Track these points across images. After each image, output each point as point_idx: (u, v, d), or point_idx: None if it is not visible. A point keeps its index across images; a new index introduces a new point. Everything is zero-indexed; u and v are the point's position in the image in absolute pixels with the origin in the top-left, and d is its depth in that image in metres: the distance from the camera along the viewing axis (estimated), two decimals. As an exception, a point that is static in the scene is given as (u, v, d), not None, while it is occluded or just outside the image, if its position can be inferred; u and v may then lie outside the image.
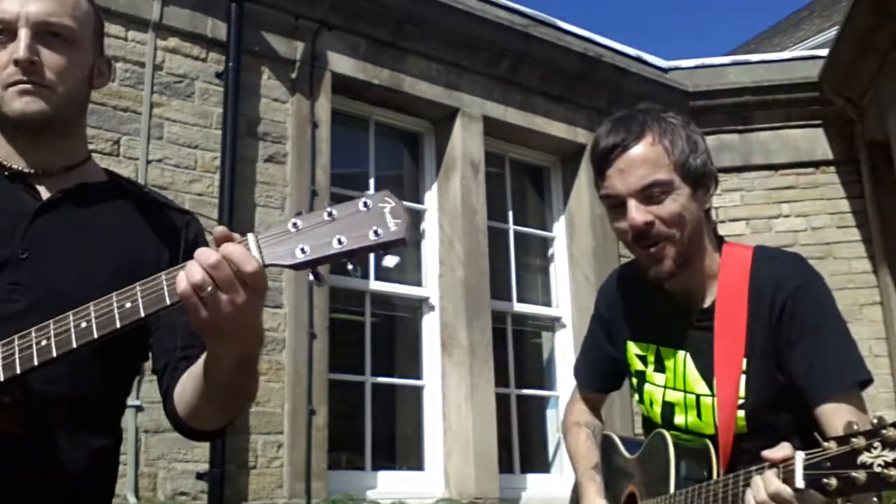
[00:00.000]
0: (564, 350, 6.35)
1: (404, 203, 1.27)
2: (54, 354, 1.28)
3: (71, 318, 1.28)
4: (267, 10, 5.26)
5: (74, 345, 1.27)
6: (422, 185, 6.16)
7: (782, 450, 1.44)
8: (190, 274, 1.21)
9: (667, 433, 1.83)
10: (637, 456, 1.97)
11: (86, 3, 1.63)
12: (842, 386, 1.68)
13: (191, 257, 1.26)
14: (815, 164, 7.07)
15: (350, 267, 1.27)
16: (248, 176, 5.04)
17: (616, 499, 1.97)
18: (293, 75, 5.31)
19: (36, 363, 1.28)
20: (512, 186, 6.62)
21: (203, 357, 1.37)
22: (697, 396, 1.84)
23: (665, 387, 1.91)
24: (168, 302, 1.26)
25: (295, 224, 1.25)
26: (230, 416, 1.53)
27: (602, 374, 2.16)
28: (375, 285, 5.73)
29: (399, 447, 5.87)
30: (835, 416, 1.63)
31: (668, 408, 1.90)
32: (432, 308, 5.87)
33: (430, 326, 5.85)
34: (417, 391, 5.79)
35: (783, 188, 7.07)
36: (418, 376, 5.80)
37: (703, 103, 7.07)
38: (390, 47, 5.75)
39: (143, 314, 1.26)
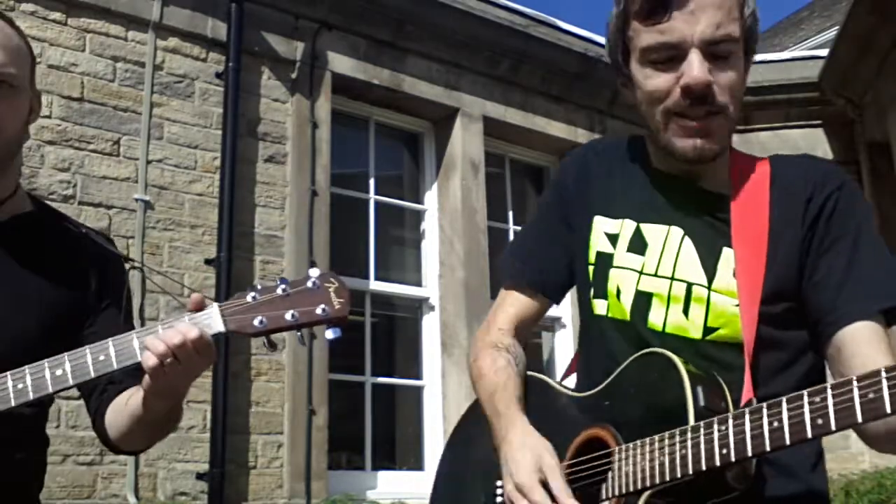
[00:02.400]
0: (564, 350, 6.35)
1: (343, 279, 1.50)
2: (31, 397, 1.46)
3: (46, 365, 1.46)
4: (267, 10, 5.26)
5: (50, 389, 1.45)
6: (422, 185, 6.16)
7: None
8: (155, 347, 1.41)
9: (662, 350, 1.37)
10: (602, 389, 1.45)
11: (23, 44, 1.67)
12: (887, 303, 1.36)
13: (111, 297, 1.65)
14: (815, 165, 7.06)
15: (298, 336, 1.49)
16: (248, 176, 5.04)
17: (559, 450, 1.43)
18: (293, 75, 5.31)
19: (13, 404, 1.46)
20: (512, 186, 6.62)
21: (134, 395, 1.55)
22: (689, 285, 1.43)
23: (641, 272, 1.47)
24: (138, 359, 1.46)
25: (254, 297, 1.45)
26: (155, 442, 1.72)
27: (550, 267, 1.62)
28: (375, 285, 5.73)
29: (399, 447, 5.87)
30: (865, 340, 1.33)
31: (643, 300, 1.46)
32: (432, 308, 5.87)
33: (430, 326, 5.85)
34: (417, 391, 5.79)
35: (783, 188, 7.06)
36: (418, 376, 5.80)
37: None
38: (390, 47, 5.75)
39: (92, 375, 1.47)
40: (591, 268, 1.53)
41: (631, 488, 1.31)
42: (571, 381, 1.66)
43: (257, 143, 5.14)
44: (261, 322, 1.43)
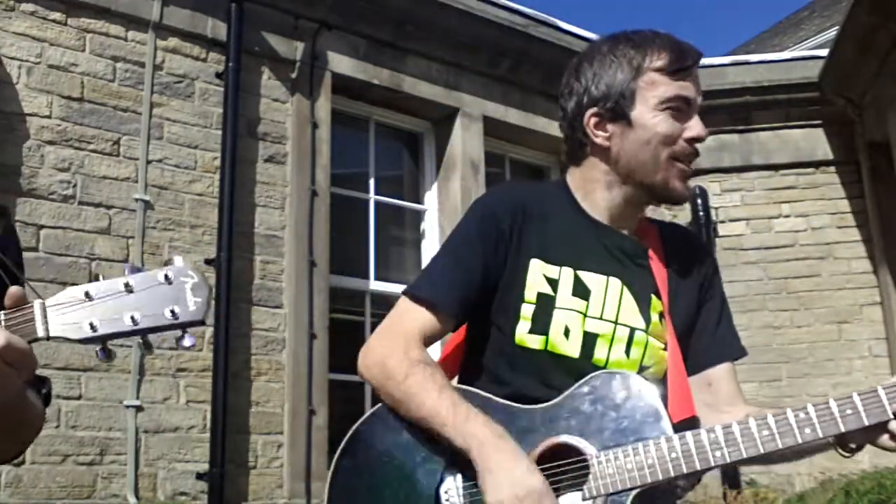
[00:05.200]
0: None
1: (208, 280, 1.22)
2: None
3: None
4: (267, 10, 5.26)
5: None
6: (422, 185, 6.16)
7: None
8: None
9: (630, 372, 1.59)
10: (555, 405, 1.56)
11: None
12: (739, 353, 1.81)
13: None
14: (815, 164, 7.07)
15: (140, 343, 1.22)
16: (248, 176, 5.04)
17: None
18: (293, 75, 5.31)
19: None
20: (512, 186, 6.62)
21: None
22: (632, 330, 1.67)
23: (586, 314, 1.66)
24: None
25: (87, 293, 1.17)
26: (5, 456, 1.44)
27: (468, 298, 1.68)
28: (375, 285, 5.73)
29: (399, 447, 5.86)
30: (730, 377, 1.78)
31: (590, 339, 1.65)
32: (432, 308, 5.86)
33: (430, 326, 5.84)
34: (417, 391, 5.78)
35: (783, 188, 7.07)
36: (418, 376, 5.79)
37: (704, 103, 7.00)
38: (390, 47, 5.75)
39: None
40: (526, 306, 1.66)
41: (619, 487, 1.49)
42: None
43: (257, 143, 5.14)
44: (91, 326, 1.16)
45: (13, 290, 1.17)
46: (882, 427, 1.47)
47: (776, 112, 7.07)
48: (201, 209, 4.85)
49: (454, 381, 1.72)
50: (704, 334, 1.78)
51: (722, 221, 6.98)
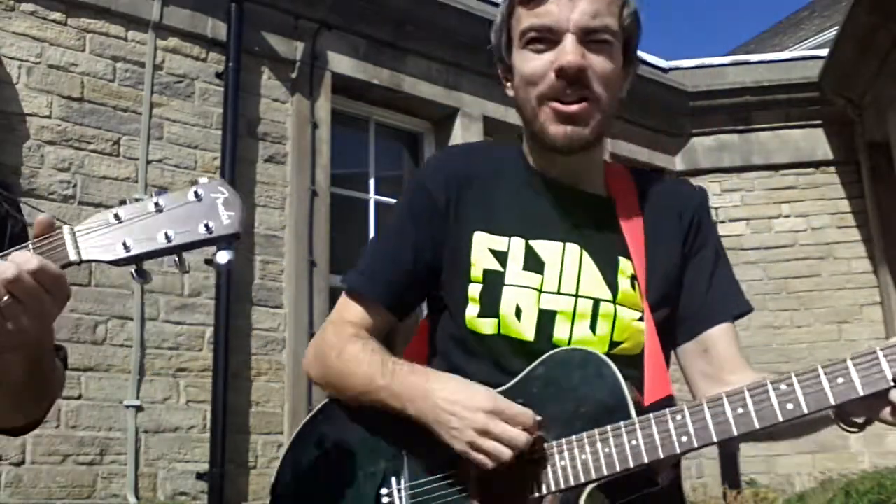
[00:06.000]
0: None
1: (239, 195, 1.21)
2: None
3: None
4: (267, 10, 5.26)
5: None
6: (422, 185, 6.16)
7: None
8: None
9: (587, 349, 1.37)
10: (508, 391, 1.37)
11: None
12: (738, 310, 1.53)
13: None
14: (815, 164, 7.08)
15: (176, 261, 1.17)
16: (248, 176, 5.04)
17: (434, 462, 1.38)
18: (293, 75, 5.31)
19: None
20: (512, 186, 6.62)
21: None
22: (596, 302, 1.43)
23: (541, 290, 1.43)
24: None
25: (117, 215, 1.14)
26: (34, 415, 1.38)
27: (404, 285, 1.53)
28: (375, 285, 5.72)
29: (399, 447, 5.87)
30: (729, 340, 1.50)
31: (547, 318, 1.42)
32: (432, 308, 5.86)
33: (430, 326, 5.84)
34: (417, 391, 5.79)
35: (783, 188, 7.07)
36: (418, 376, 5.80)
37: (703, 103, 7.07)
38: (390, 47, 5.75)
39: None
40: (473, 285, 1.46)
41: (572, 482, 1.29)
42: None
43: (257, 143, 5.14)
44: (125, 246, 1.13)
45: (41, 217, 1.14)
46: (882, 398, 1.20)
47: (776, 112, 7.08)
48: (201, 209, 4.85)
49: None
50: (695, 292, 1.50)
51: (722, 221, 6.98)
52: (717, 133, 7.08)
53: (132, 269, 1.15)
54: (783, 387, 1.22)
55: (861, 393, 1.19)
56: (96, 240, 1.14)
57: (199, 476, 4.52)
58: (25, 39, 4.47)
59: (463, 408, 1.32)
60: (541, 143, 1.47)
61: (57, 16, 4.60)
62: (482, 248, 1.47)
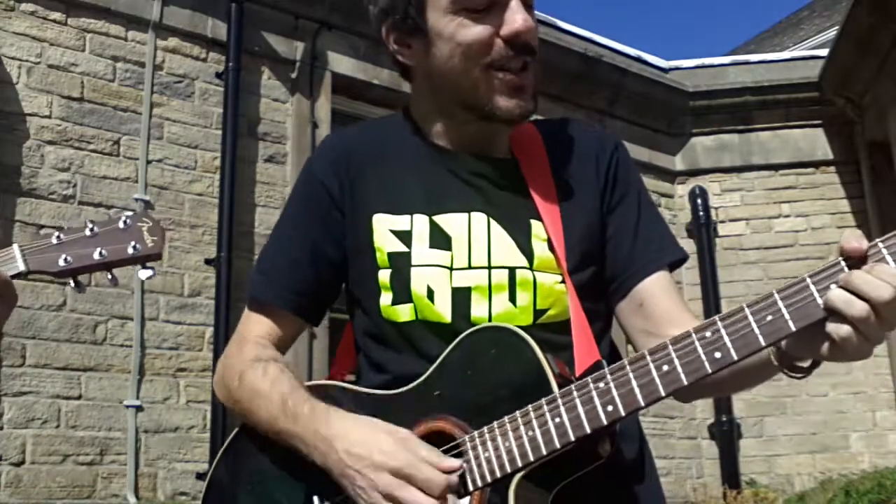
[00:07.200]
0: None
1: (161, 223, 1.46)
2: None
3: None
4: (267, 10, 5.26)
5: None
6: (422, 185, 6.16)
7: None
8: None
9: (499, 324, 1.27)
10: (423, 382, 1.27)
11: None
12: (671, 257, 1.40)
13: None
14: (815, 164, 7.08)
15: (109, 278, 1.43)
16: (248, 176, 5.04)
17: None
18: (293, 75, 5.31)
19: None
20: (512, 186, 6.61)
21: None
22: (511, 270, 1.32)
23: (452, 268, 1.33)
24: None
25: (58, 237, 1.39)
26: None
27: (304, 282, 1.43)
28: (375, 285, 5.72)
29: (399, 447, 5.87)
30: (665, 290, 1.37)
31: (462, 296, 1.32)
32: (432, 308, 5.87)
33: (430, 326, 5.84)
34: (417, 391, 5.79)
35: (783, 188, 7.07)
36: (418, 376, 5.80)
37: (704, 103, 7.07)
38: (390, 47, 5.75)
39: None
40: (382, 272, 1.36)
41: (498, 474, 1.17)
42: None
43: (257, 143, 5.14)
44: (66, 261, 1.38)
45: None
46: (819, 332, 1.05)
47: (776, 112, 7.08)
48: (201, 209, 4.85)
49: (350, 378, 1.46)
50: (621, 245, 1.38)
51: (722, 221, 6.98)
52: (717, 133, 7.08)
53: (70, 280, 1.40)
54: (708, 334, 1.08)
55: (793, 328, 1.05)
56: (41, 256, 1.37)
57: (199, 476, 4.52)
58: (25, 39, 4.48)
59: (367, 466, 1.19)
60: (478, 114, 1.35)
61: (57, 16, 4.60)
62: (384, 230, 1.37)
